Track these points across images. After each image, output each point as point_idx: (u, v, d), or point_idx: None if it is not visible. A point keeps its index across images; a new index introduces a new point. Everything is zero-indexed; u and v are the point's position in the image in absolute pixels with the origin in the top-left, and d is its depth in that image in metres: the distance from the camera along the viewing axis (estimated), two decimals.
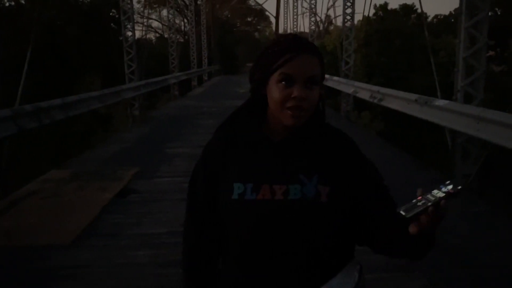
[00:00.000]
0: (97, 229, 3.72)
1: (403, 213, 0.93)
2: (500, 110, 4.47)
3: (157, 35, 39.12)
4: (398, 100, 6.81)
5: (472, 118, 4.51)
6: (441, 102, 5.33)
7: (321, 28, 27.09)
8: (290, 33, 1.19)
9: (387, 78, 15.27)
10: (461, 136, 5.10)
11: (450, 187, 0.94)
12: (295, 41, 1.06)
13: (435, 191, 0.94)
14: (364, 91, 8.87)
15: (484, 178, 5.39)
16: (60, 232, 3.59)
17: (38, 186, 4.94)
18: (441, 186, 0.95)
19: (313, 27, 18.09)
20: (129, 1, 11.49)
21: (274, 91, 1.04)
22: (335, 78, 11.57)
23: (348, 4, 11.71)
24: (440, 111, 5.24)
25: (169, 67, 19.26)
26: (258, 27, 52.51)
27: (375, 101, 7.90)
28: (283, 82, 1.03)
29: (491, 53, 17.94)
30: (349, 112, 11.05)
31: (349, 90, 10.11)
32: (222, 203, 1.08)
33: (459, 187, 0.93)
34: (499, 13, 18.37)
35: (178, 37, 25.96)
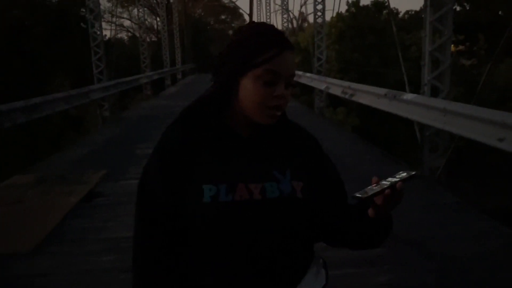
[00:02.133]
0: (60, 235, 3.59)
1: (359, 195, 0.92)
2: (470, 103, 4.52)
3: (130, 34, 38.63)
4: (368, 95, 6.84)
5: (438, 111, 4.55)
6: (409, 96, 5.38)
7: (295, 25, 27.18)
8: (265, 23, 1.03)
9: (361, 73, 15.39)
10: (429, 129, 5.15)
11: (404, 174, 0.95)
12: (279, 34, 0.98)
13: (389, 178, 0.96)
14: (336, 87, 8.90)
15: (451, 170, 5.46)
16: (21, 240, 3.46)
17: (0, 192, 4.77)
18: (395, 175, 0.97)
19: (286, 24, 18.10)
20: None
21: (254, 89, 0.95)
22: (308, 74, 11.60)
23: (319, 0, 11.76)
24: (408, 105, 5.28)
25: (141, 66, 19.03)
26: (232, 25, 52.35)
27: (347, 96, 7.92)
28: (265, 79, 0.94)
29: (460, 47, 18.29)
30: (322, 108, 11.10)
31: (321, 86, 10.14)
32: (190, 208, 0.97)
33: (413, 173, 0.95)
34: (467, 7, 18.72)
35: (150, 36, 25.64)
